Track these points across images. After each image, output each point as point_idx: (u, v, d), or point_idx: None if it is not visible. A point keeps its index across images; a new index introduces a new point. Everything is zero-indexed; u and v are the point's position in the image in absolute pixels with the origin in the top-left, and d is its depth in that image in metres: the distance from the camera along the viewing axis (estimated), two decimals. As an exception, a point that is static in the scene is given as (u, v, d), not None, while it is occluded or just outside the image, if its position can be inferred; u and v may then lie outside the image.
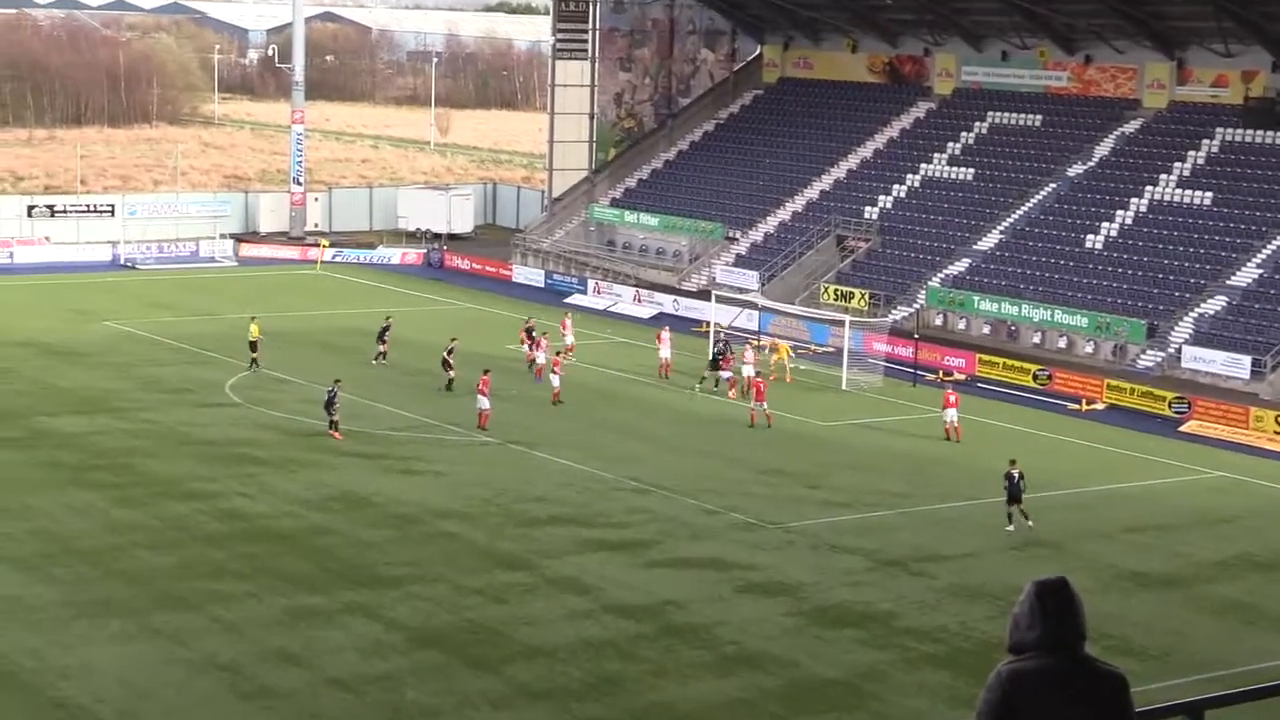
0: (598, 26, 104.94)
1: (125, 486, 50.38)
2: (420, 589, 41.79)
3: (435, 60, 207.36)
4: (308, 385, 65.26)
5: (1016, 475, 48.39)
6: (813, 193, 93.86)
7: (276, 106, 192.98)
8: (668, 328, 74.59)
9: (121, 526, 46.30)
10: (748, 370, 66.69)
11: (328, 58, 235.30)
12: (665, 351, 70.28)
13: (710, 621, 40.23)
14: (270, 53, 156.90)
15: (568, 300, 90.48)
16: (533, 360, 68.58)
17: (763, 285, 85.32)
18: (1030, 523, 48.39)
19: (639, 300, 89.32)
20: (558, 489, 51.91)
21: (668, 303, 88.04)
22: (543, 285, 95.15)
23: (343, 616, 39.60)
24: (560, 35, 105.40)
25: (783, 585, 43.29)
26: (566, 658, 37.48)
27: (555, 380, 63.84)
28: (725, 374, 66.97)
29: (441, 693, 35.22)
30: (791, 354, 71.91)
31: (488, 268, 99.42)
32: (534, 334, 70.38)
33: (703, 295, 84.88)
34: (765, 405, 61.04)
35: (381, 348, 69.81)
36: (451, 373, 64.57)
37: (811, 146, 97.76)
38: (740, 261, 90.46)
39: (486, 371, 60.63)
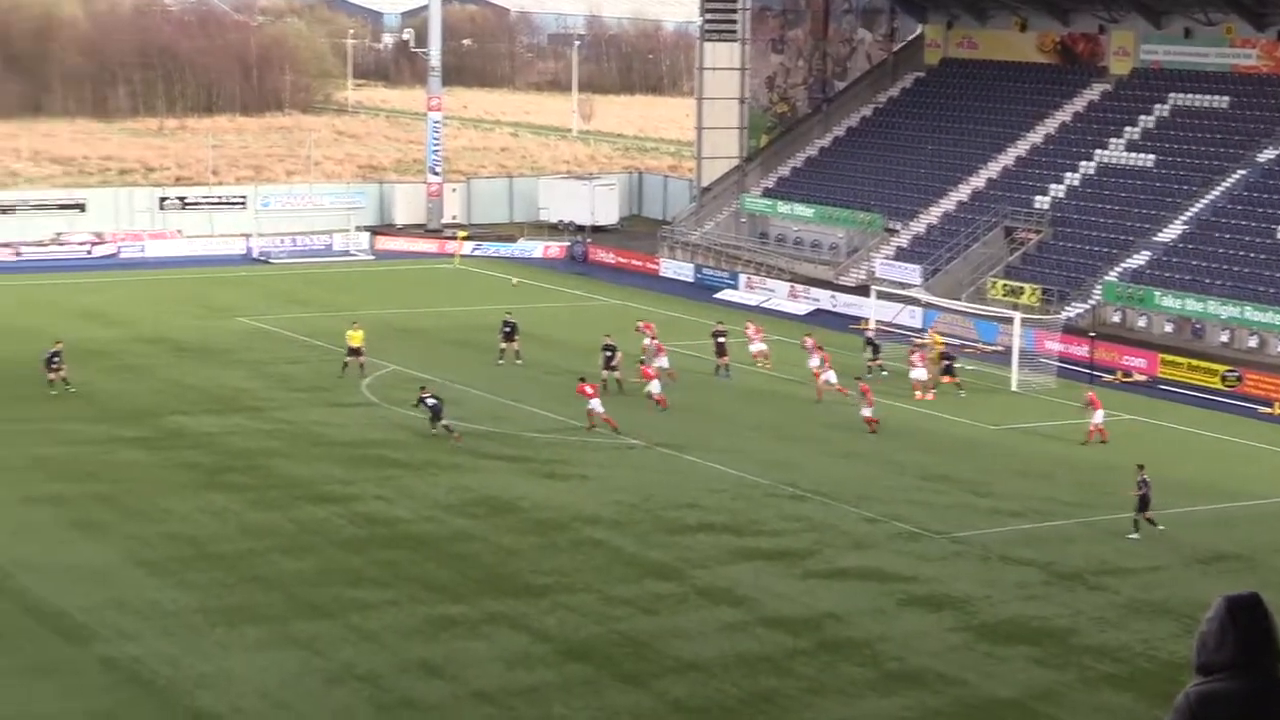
0: (748, 6, 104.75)
1: (260, 489, 51.17)
2: (567, 599, 42.03)
3: (577, 43, 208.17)
4: (446, 384, 65.80)
5: (1146, 481, 48.12)
6: (979, 181, 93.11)
7: (412, 93, 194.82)
8: (750, 324, 74.38)
9: (257, 530, 47.03)
10: (917, 374, 66.49)
11: (465, 41, 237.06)
12: (757, 346, 71.10)
13: (872, 636, 40.09)
14: (406, 37, 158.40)
15: (717, 296, 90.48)
16: (727, 365, 68.80)
17: (925, 280, 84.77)
18: (1160, 528, 48.12)
19: (794, 296, 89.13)
20: (709, 495, 51.97)
21: (824, 298, 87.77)
22: (692, 280, 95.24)
23: (487, 626, 39.93)
24: (709, 16, 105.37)
25: (949, 598, 43.03)
26: (720, 673, 37.51)
27: (656, 387, 63.48)
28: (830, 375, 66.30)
29: (590, 708, 35.40)
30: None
31: (633, 261, 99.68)
32: (723, 338, 69.68)
33: (861, 291, 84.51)
34: (870, 410, 60.56)
35: (506, 345, 69.92)
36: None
37: (977, 132, 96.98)
38: (901, 255, 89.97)
39: (583, 378, 60.92)
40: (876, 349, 70.38)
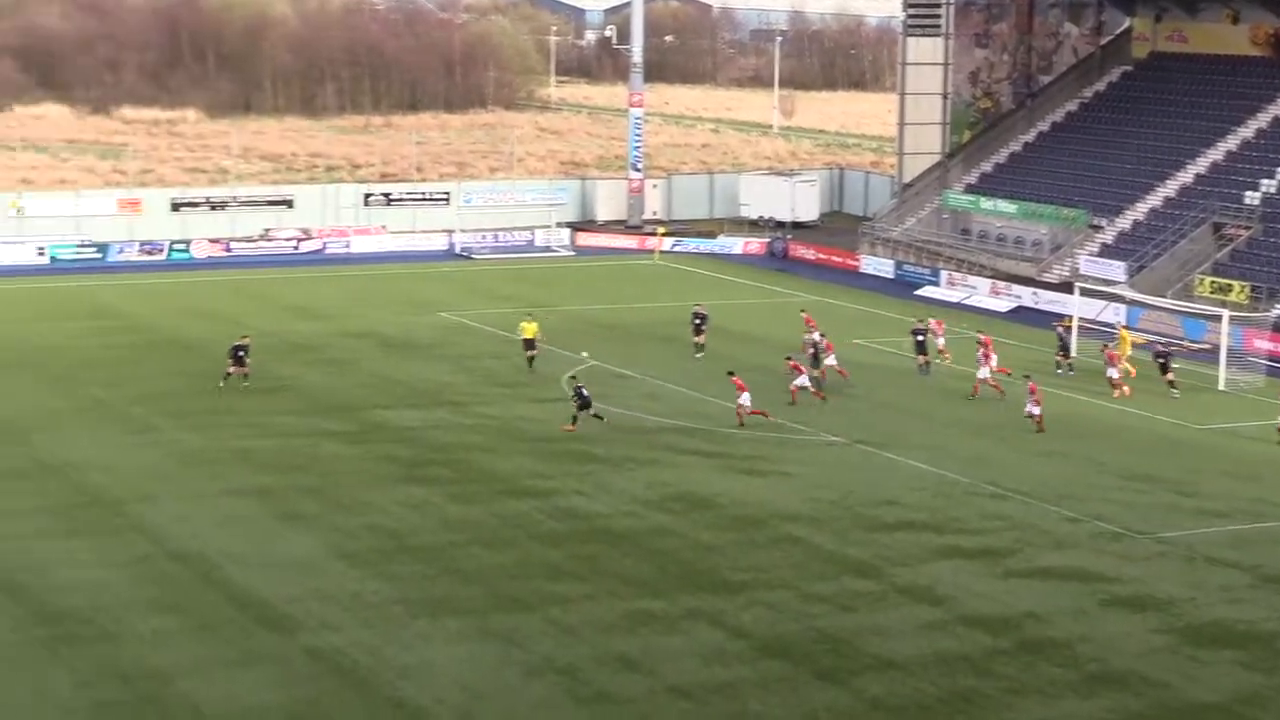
0: (952, 1, 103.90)
1: (461, 482, 51.76)
2: (764, 595, 42.03)
3: (779, 39, 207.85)
4: (645, 380, 66.18)
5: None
6: (1186, 177, 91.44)
7: (614, 90, 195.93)
8: (933, 320, 73.52)
9: (457, 523, 47.59)
10: (1111, 372, 65.65)
11: (667, 38, 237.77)
12: (941, 341, 70.63)
13: (1073, 637, 39.62)
14: (608, 34, 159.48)
15: (918, 292, 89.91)
16: (927, 362, 68.61)
17: (1131, 277, 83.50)
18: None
19: (996, 293, 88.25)
20: (909, 492, 51.65)
21: (1026, 295, 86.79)
22: (892, 276, 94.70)
23: (684, 622, 40.05)
24: (912, 11, 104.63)
25: (1152, 600, 42.36)
26: (918, 671, 37.30)
27: (803, 380, 63.12)
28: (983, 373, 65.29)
29: (786, 705, 35.39)
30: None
31: (834, 258, 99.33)
32: (923, 336, 69.04)
33: (1064, 288, 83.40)
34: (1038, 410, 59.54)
35: (698, 338, 70.38)
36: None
37: (1185, 127, 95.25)
38: (1106, 251, 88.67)
39: (731, 373, 60.86)
40: (1066, 347, 69.52)
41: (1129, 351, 69.08)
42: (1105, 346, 68.22)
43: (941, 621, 40.48)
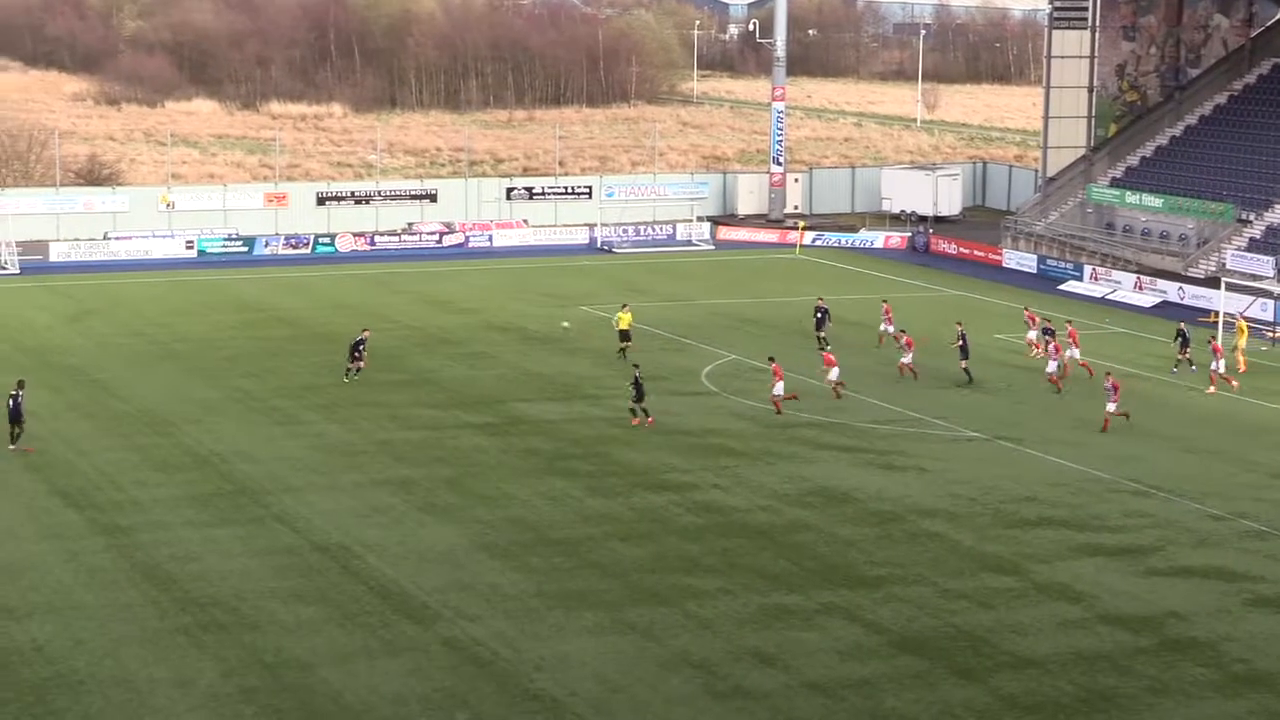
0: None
1: (600, 475, 51.96)
2: (902, 590, 41.85)
3: (923, 32, 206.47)
4: (787, 374, 65.99)
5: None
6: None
7: (756, 83, 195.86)
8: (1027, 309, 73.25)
9: (596, 516, 47.78)
10: (1215, 365, 64.57)
11: (810, 32, 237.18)
12: (1032, 334, 70.20)
13: (1216, 637, 39.11)
14: (751, 28, 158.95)
15: (1061, 287, 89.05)
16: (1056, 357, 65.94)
17: (1278, 272, 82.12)
18: None
19: (1140, 288, 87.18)
20: (1049, 489, 51.17)
21: (1172, 290, 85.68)
22: (1035, 271, 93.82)
23: (820, 617, 39.98)
24: (1058, 3, 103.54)
25: (1299, 601, 41.77)
26: (1056, 670, 36.98)
27: (1052, 366, 63.65)
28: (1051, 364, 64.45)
29: (923, 701, 35.22)
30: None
31: (976, 252, 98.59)
32: (1052, 335, 67.91)
33: (1211, 283, 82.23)
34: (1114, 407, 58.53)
35: (821, 333, 70.55)
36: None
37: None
38: (1254, 246, 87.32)
39: (771, 359, 61.05)
40: (1186, 341, 68.11)
41: (1244, 344, 68.34)
42: (1212, 339, 67.09)
43: (1081, 620, 40.10)
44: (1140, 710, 35.06)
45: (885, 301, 73.34)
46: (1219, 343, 66.13)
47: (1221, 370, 64.82)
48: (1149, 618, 40.25)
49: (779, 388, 59.84)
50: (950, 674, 36.71)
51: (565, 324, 71.16)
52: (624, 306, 70.95)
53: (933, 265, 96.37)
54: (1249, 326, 71.38)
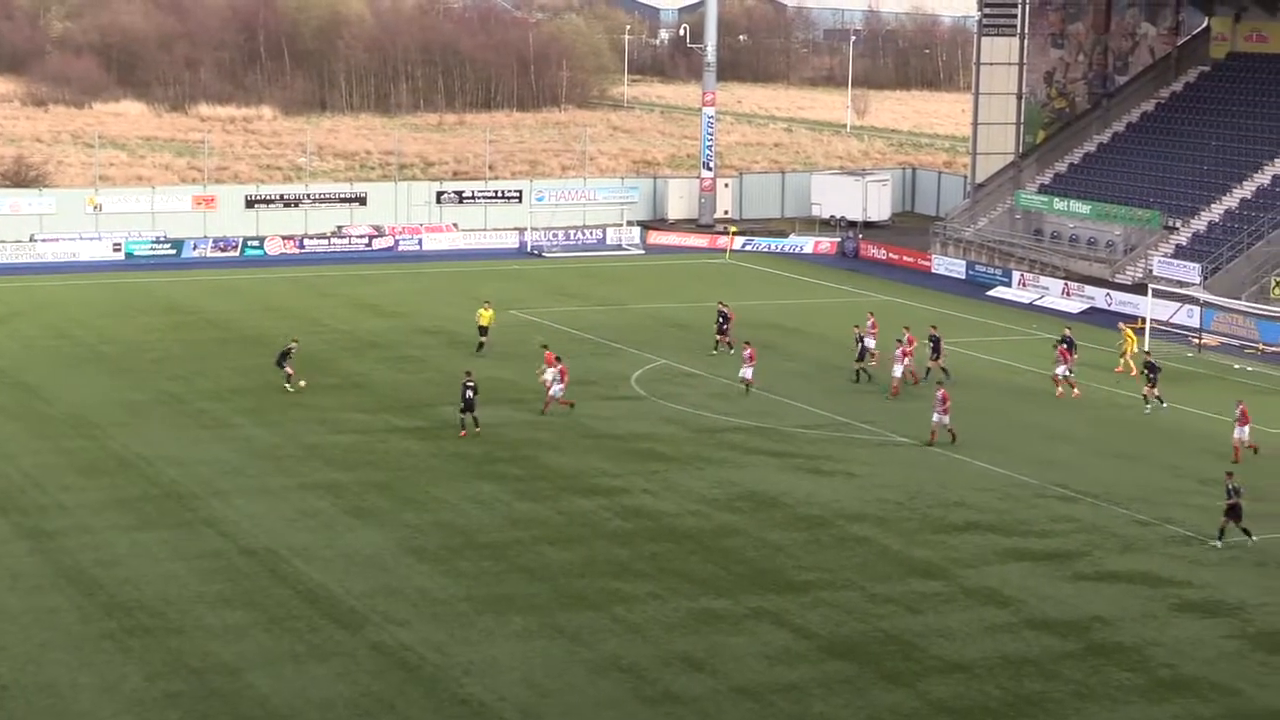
0: (1028, 0, 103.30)
1: (528, 480, 51.86)
2: (830, 595, 41.93)
3: (853, 38, 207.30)
4: (714, 379, 66.14)
5: (1233, 488, 46.75)
6: (1264, 178, 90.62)
7: (687, 88, 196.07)
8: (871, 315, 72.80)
9: (524, 521, 47.68)
10: (1061, 370, 64.65)
11: (741, 37, 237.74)
12: (870, 342, 68.72)
13: (1142, 641, 39.36)
14: (682, 33, 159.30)
15: (989, 293, 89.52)
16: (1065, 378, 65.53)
17: (1205, 279, 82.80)
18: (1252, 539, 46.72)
19: (1068, 294, 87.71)
20: (976, 494, 51.39)
21: (1099, 297, 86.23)
22: (963, 277, 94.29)
23: (749, 622, 40.01)
24: (988, 10, 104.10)
25: (1224, 605, 42.01)
26: (984, 674, 37.13)
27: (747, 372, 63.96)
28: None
29: (852, 706, 35.29)
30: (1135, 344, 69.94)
31: (905, 258, 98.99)
32: (1071, 346, 67.30)
33: (1138, 289, 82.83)
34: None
35: (720, 336, 70.54)
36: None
37: (1264, 127, 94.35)
38: (1180, 253, 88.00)
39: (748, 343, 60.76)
40: (1071, 346, 66.45)
41: (1133, 350, 68.95)
42: (1058, 344, 66.78)
43: (1008, 624, 40.28)
44: (1067, 715, 35.23)
45: (871, 314, 71.69)
46: (1065, 348, 66.00)
47: (1062, 374, 64.60)
48: (1075, 622, 40.47)
49: (550, 376, 59.62)
50: (879, 678, 36.80)
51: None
52: (485, 304, 71.80)
53: (862, 270, 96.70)
54: (1153, 331, 71.89)
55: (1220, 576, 44.23)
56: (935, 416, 57.10)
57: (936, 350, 65.99)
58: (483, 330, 70.81)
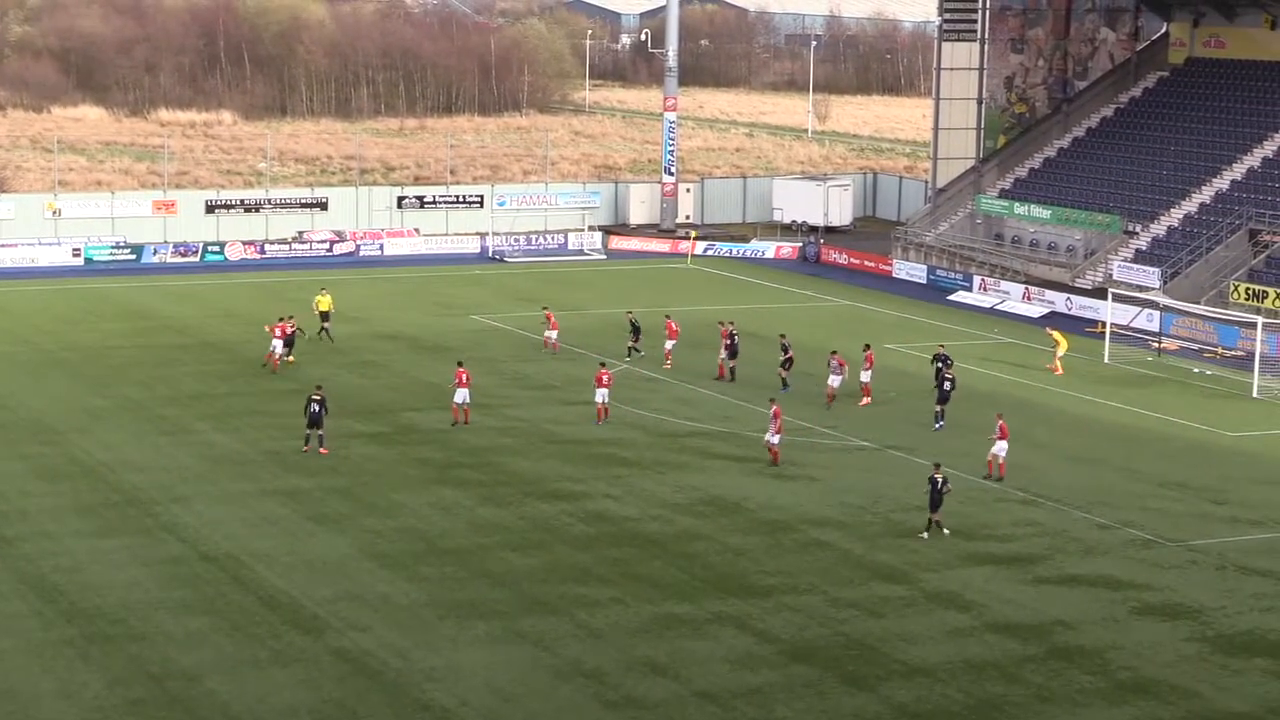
0: (988, 5, 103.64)
1: (491, 485, 51.84)
2: (793, 600, 42.02)
3: (815, 43, 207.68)
4: (677, 384, 66.21)
5: (940, 480, 47.41)
6: (1222, 183, 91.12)
7: (648, 93, 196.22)
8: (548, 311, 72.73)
9: (487, 526, 47.67)
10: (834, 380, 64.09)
11: (702, 42, 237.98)
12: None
13: (1103, 644, 39.53)
14: (643, 38, 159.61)
15: (950, 298, 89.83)
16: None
17: (1164, 283, 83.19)
18: (946, 532, 47.50)
19: (1028, 298, 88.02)
20: (939, 498, 51.51)
21: (1060, 301, 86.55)
22: (925, 281, 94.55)
23: (712, 626, 40.07)
24: (948, 15, 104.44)
25: (1183, 608, 42.24)
26: (946, 678, 37.26)
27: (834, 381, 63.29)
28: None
29: (814, 710, 35.38)
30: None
31: (866, 262, 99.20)
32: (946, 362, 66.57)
33: (1098, 293, 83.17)
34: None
35: (634, 343, 70.40)
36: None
37: (1222, 132, 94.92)
38: (1140, 257, 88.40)
39: (604, 364, 60.35)
40: (947, 364, 64.39)
41: (1060, 353, 70.01)
42: (867, 347, 65.81)
43: (970, 628, 40.42)
44: (1028, 718, 35.38)
45: (868, 348, 66.77)
46: (840, 357, 65.36)
47: (864, 380, 64.58)
48: (1037, 626, 40.64)
49: (460, 395, 59.24)
50: (841, 682, 36.90)
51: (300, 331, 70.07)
52: (322, 290, 73.67)
53: (823, 275, 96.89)
54: (1114, 336, 72.41)
55: (1180, 579, 44.47)
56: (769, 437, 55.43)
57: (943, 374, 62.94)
58: (323, 316, 72.33)
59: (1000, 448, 54.03)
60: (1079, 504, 51.17)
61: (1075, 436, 60.20)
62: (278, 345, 67.13)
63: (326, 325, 72.81)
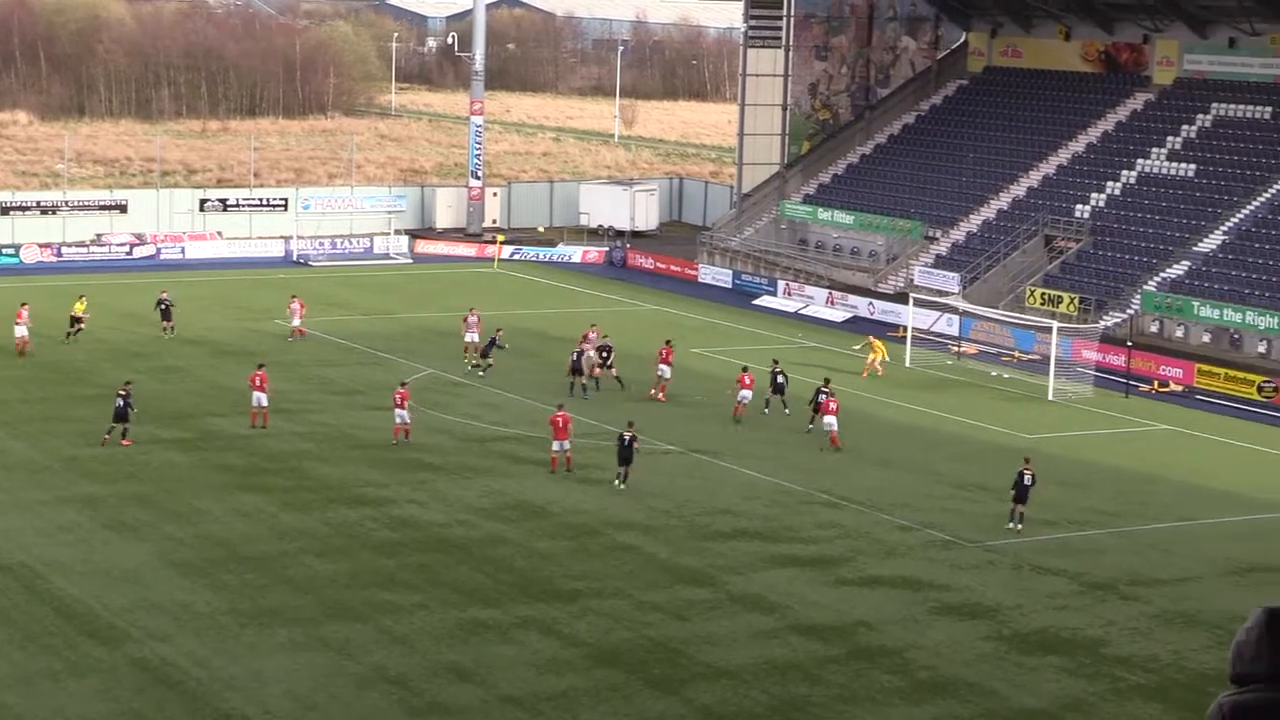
0: (792, 13, 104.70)
1: (294, 491, 51.35)
2: (598, 604, 42.09)
3: (621, 49, 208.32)
4: (483, 389, 66.08)
5: (1030, 477, 49.01)
6: (1019, 190, 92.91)
7: (455, 97, 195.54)
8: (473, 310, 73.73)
9: (290, 532, 47.19)
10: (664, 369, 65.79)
11: (509, 46, 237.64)
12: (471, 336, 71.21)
13: (903, 644, 40.07)
14: (450, 41, 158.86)
15: (755, 302, 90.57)
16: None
17: (964, 288, 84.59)
18: (1019, 526, 49.11)
19: (832, 303, 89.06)
20: (743, 501, 51.95)
21: (862, 305, 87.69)
22: (730, 286, 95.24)
23: (517, 631, 40.00)
24: (753, 22, 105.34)
25: (981, 607, 42.97)
26: (750, 680, 37.52)
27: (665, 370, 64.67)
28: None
29: (619, 714, 35.46)
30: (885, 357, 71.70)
31: (672, 267, 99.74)
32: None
33: (900, 298, 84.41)
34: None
35: (486, 360, 69.28)
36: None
37: (1019, 140, 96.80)
38: (940, 262, 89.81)
39: (404, 384, 59.80)
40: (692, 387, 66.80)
41: (882, 357, 71.24)
42: (664, 348, 67.05)
43: (774, 630, 40.76)
44: (832, 718, 35.75)
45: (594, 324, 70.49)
46: (670, 347, 66.73)
47: (664, 374, 65.62)
48: (839, 627, 41.10)
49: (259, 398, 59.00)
50: (646, 686, 37.02)
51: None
52: (80, 298, 73.48)
53: (630, 280, 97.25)
54: (915, 340, 73.53)
55: (978, 579, 45.23)
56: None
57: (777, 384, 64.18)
58: (74, 320, 72.19)
59: (829, 423, 58.23)
60: (881, 506, 51.86)
61: (878, 439, 60.97)
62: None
63: (78, 329, 72.07)
